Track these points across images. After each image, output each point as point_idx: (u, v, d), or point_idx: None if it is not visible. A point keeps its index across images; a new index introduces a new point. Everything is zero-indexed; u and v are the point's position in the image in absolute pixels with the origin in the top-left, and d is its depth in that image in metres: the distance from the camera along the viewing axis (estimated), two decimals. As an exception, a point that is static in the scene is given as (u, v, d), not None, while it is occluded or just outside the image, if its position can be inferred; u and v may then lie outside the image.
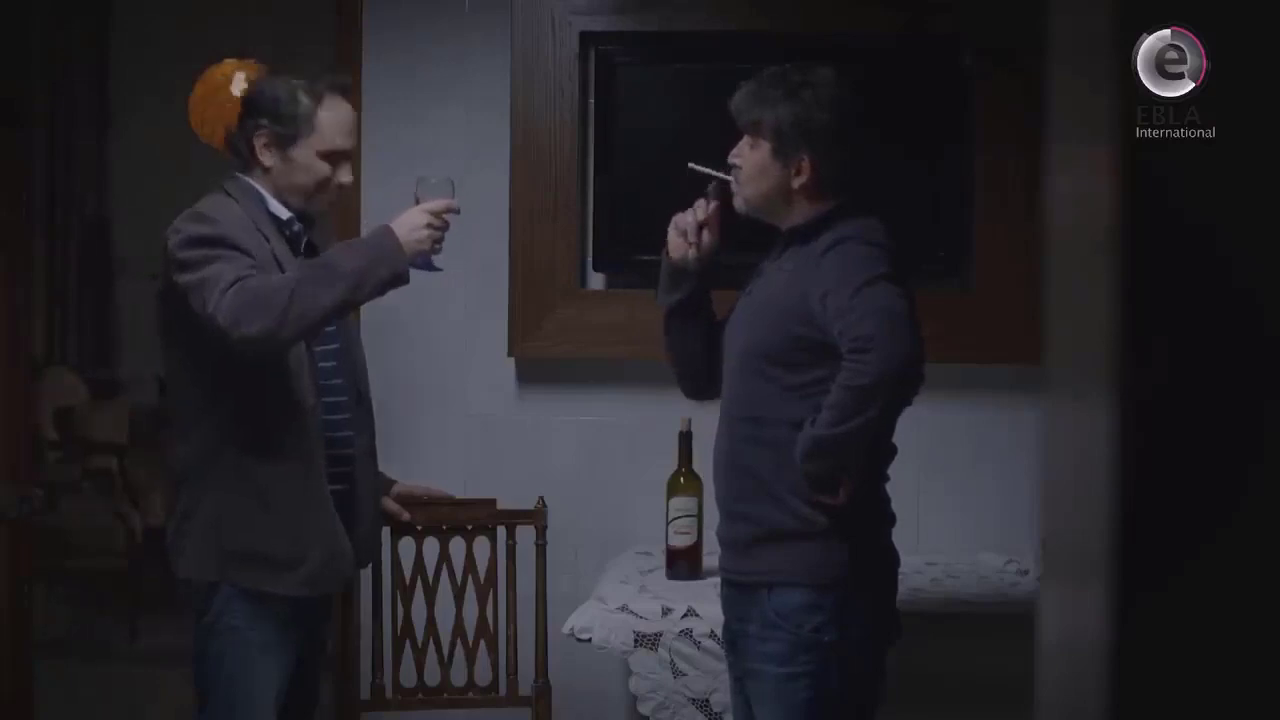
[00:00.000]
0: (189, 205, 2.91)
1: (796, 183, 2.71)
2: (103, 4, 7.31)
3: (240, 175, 2.92)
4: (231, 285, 2.67)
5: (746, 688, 2.77)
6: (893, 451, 2.74)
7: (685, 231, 2.82)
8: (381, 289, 2.77)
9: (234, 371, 2.80)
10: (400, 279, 2.77)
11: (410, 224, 2.78)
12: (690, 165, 2.85)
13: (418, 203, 2.84)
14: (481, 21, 3.90)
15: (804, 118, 2.68)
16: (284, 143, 2.88)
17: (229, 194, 2.90)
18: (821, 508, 2.63)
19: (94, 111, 7.42)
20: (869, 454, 2.64)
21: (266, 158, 2.89)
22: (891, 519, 2.78)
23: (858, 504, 2.65)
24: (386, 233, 2.78)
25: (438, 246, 2.81)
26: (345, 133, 2.93)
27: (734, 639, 2.79)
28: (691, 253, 2.81)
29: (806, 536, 2.65)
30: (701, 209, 2.81)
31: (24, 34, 3.97)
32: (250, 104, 2.90)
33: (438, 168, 3.92)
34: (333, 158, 2.91)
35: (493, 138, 3.89)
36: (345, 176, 2.94)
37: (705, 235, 2.82)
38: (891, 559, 2.78)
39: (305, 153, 2.89)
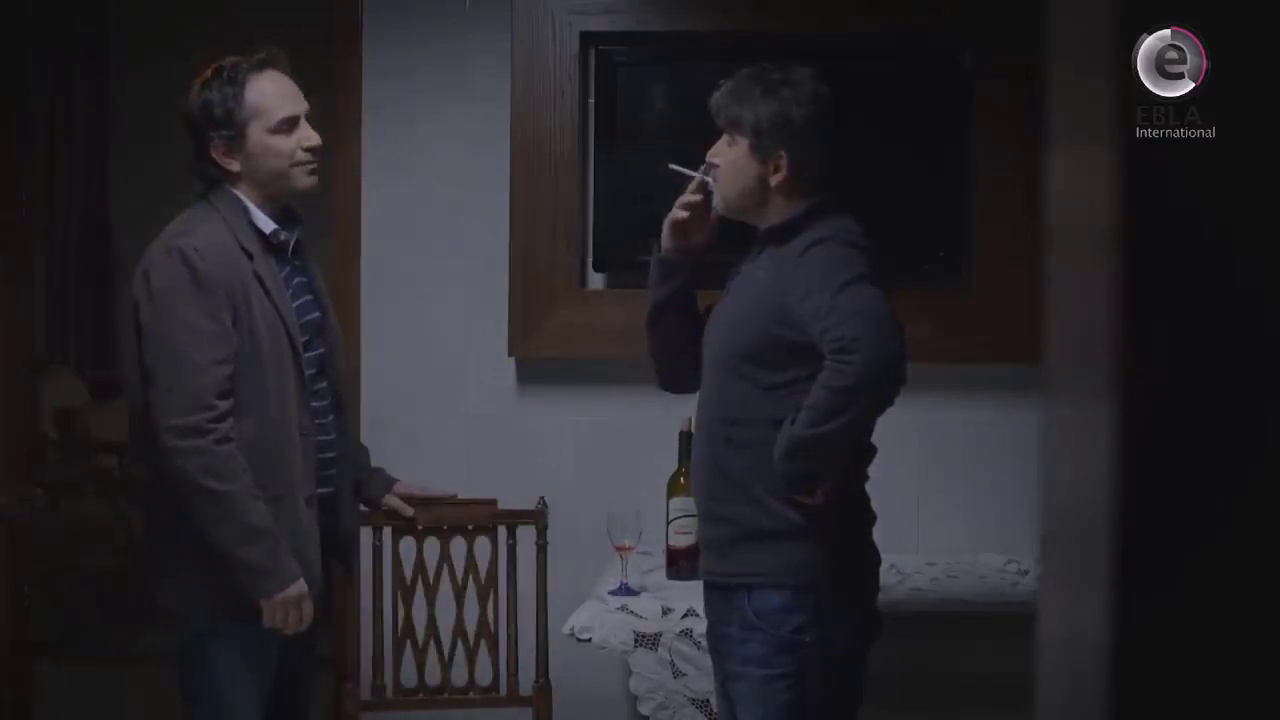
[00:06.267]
0: (189, 205, 2.91)
1: (774, 180, 2.71)
2: (102, 4, 7.30)
3: (226, 187, 2.92)
4: (204, 411, 2.73)
5: (729, 690, 2.77)
6: (871, 451, 2.74)
7: (675, 221, 2.82)
8: (244, 589, 2.81)
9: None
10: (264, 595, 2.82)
11: (290, 598, 2.83)
12: (670, 166, 2.86)
13: None
14: (481, 21, 3.90)
15: (782, 115, 2.69)
16: (235, 141, 2.89)
17: (214, 205, 2.90)
18: (800, 508, 2.63)
19: (94, 111, 7.40)
20: (848, 455, 2.64)
21: (231, 163, 2.89)
22: (872, 518, 2.77)
23: (837, 504, 2.65)
24: (288, 581, 2.81)
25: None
26: (284, 100, 2.92)
27: (716, 641, 2.79)
28: (674, 242, 2.83)
29: (785, 537, 2.65)
30: (688, 195, 2.81)
31: (24, 34, 3.96)
32: (191, 124, 2.90)
33: (438, 167, 3.94)
34: (285, 127, 2.91)
35: (493, 138, 3.89)
36: (309, 139, 2.93)
37: (697, 233, 2.83)
38: (872, 558, 2.78)
39: (258, 138, 2.88)
